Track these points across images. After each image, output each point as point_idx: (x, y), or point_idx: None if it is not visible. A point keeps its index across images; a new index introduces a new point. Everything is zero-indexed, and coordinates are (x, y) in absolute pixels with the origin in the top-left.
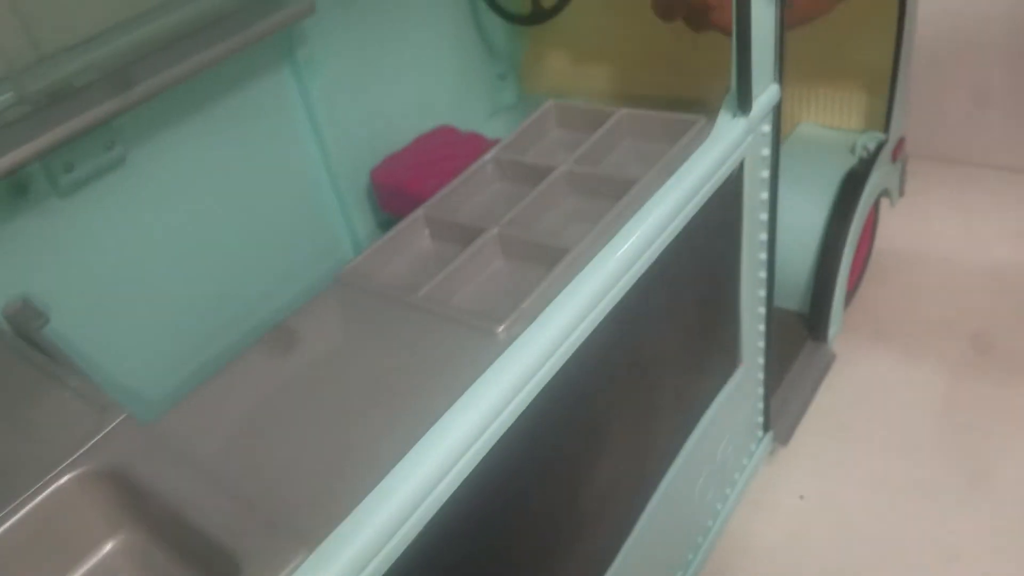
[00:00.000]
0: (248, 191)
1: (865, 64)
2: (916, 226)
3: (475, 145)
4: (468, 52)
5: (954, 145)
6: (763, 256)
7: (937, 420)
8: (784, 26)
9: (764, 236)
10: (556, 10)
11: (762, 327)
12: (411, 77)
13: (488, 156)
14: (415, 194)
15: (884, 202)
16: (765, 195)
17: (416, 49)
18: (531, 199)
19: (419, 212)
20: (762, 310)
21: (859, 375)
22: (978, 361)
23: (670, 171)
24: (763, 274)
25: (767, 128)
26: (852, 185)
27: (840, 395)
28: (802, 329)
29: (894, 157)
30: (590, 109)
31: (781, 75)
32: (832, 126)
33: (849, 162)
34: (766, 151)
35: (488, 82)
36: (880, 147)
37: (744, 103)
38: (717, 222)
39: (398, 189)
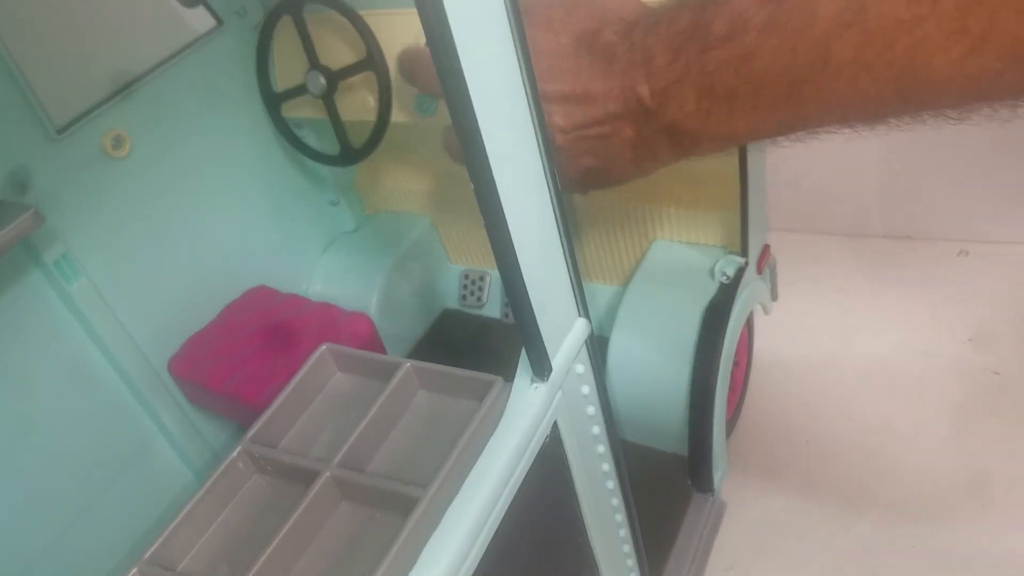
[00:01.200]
0: (19, 418)
1: (713, 175)
2: (792, 325)
3: (293, 308)
4: (290, 189)
5: (814, 215)
6: (611, 484)
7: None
8: (575, 256)
9: (607, 466)
10: (368, 150)
11: (631, 559)
12: (219, 234)
13: (237, 449)
14: (218, 391)
15: (758, 309)
16: (597, 429)
17: (223, 199)
18: (293, 522)
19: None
20: (625, 535)
21: (752, 521)
22: (875, 485)
23: (467, 465)
24: (616, 501)
25: (581, 368)
26: (714, 319)
27: (736, 552)
28: (684, 478)
29: (759, 270)
30: (373, 359)
31: (584, 306)
32: (689, 241)
33: (711, 287)
34: (587, 389)
35: (320, 212)
36: (741, 271)
37: (540, 369)
38: (541, 485)
39: (199, 384)
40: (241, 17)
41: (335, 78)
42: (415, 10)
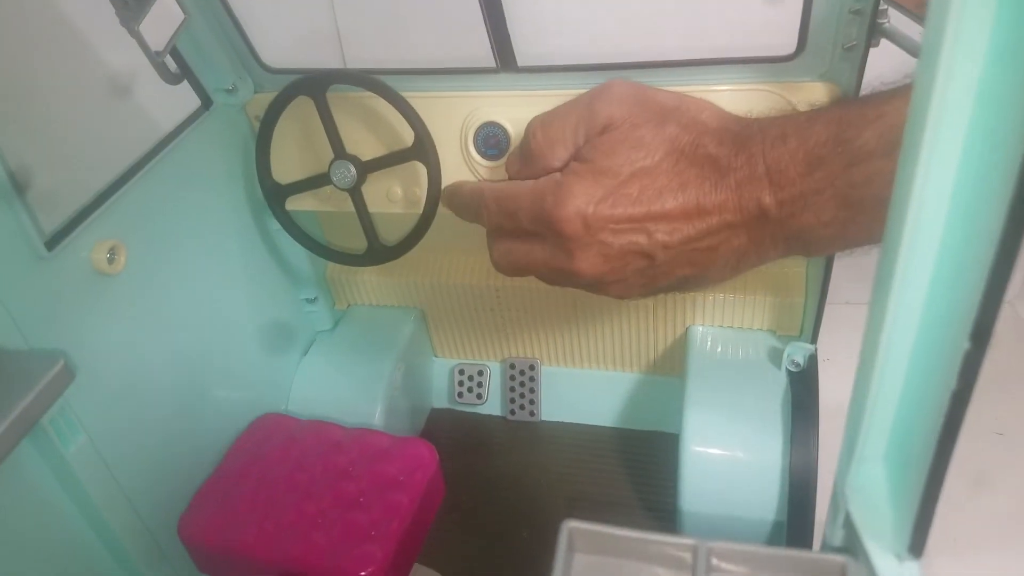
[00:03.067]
0: None
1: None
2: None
3: (326, 440)
4: (269, 290)
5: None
6: None
7: None
8: None
9: None
10: (405, 247)
11: None
12: (215, 353)
13: None
14: (244, 555)
15: None
16: None
17: (216, 311)
18: None
19: None
20: None
21: None
22: None
23: None
24: None
25: None
26: (804, 412)
27: None
28: None
29: None
30: (623, 537)
31: None
32: (727, 325)
33: (778, 377)
34: None
35: (297, 313)
36: (814, 358)
37: (917, 542)
38: None
39: (218, 551)
40: (231, 95)
41: (369, 168)
42: (458, 92)
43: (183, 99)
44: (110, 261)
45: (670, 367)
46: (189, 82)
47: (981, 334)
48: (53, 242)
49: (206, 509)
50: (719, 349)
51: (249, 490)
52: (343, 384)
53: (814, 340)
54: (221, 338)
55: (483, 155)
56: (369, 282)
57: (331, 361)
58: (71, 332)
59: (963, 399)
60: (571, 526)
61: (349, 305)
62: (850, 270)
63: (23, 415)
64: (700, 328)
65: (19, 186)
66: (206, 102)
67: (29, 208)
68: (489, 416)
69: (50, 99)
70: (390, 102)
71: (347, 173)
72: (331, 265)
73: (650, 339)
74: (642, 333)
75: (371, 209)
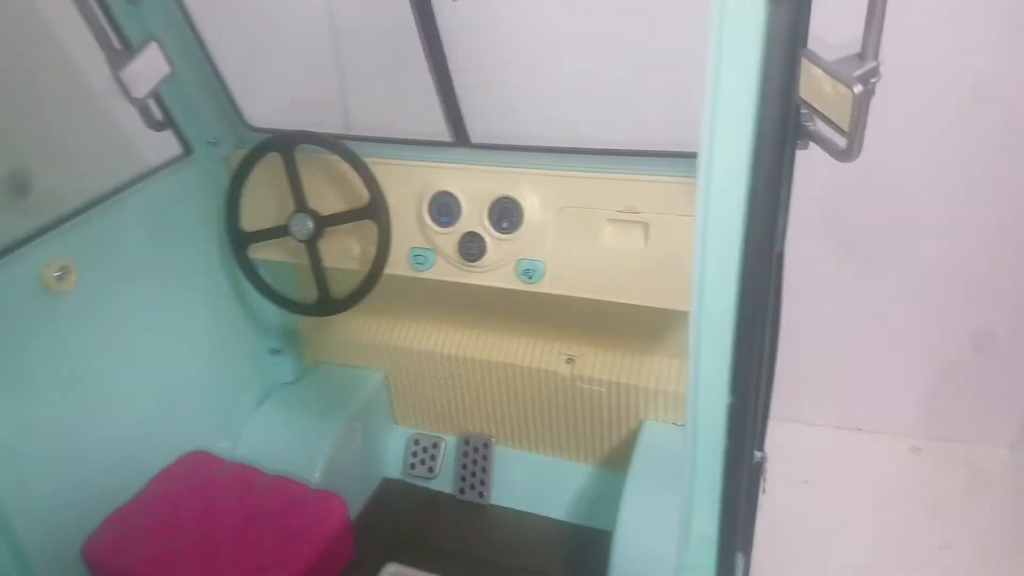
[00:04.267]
0: None
1: None
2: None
3: (243, 483)
4: (232, 334)
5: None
6: None
7: None
8: None
9: None
10: (353, 300)
11: None
12: (155, 383)
13: None
14: None
15: None
16: None
17: (164, 342)
18: None
19: None
20: None
21: None
22: None
23: None
24: None
25: None
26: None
27: None
28: None
29: None
30: None
31: None
32: (678, 423)
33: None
34: None
35: (258, 361)
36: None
37: None
38: None
39: (114, 575)
40: (212, 147)
41: (325, 223)
42: (416, 162)
43: (166, 143)
44: (60, 279)
45: (619, 461)
46: (173, 129)
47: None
48: (4, 252)
49: (112, 534)
50: (667, 447)
51: (159, 521)
52: (291, 437)
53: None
54: (169, 373)
55: (436, 221)
56: (337, 340)
57: (286, 413)
58: (11, 340)
59: (737, 456)
60: (391, 570)
61: (316, 361)
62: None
63: None
64: (654, 423)
65: None
66: (187, 149)
67: None
68: (439, 492)
69: (37, 117)
70: (350, 163)
71: (305, 226)
72: (302, 319)
73: (604, 429)
74: (596, 422)
75: (329, 264)
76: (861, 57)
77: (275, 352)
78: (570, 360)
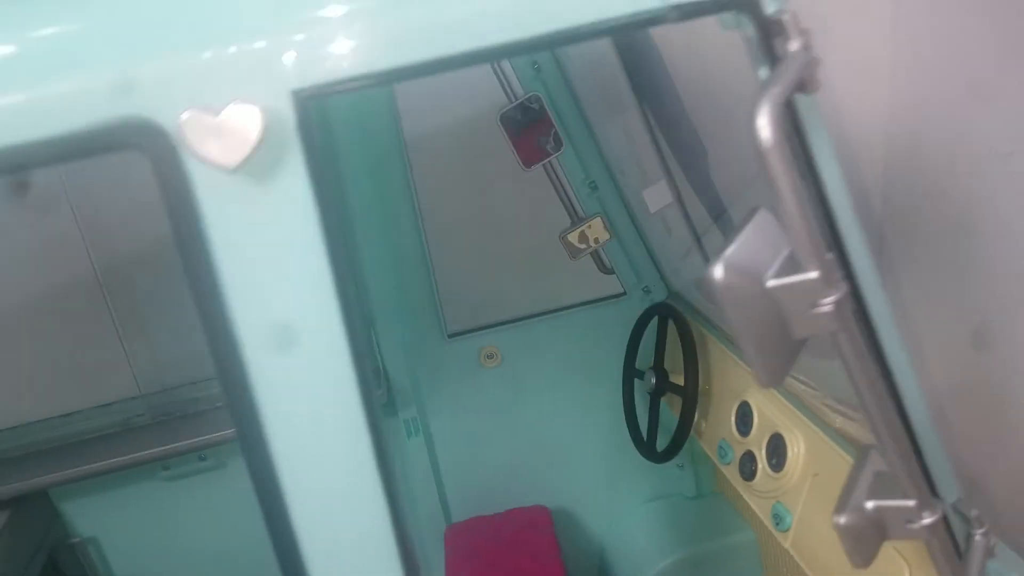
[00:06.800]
0: None
1: None
2: None
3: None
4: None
5: None
6: None
7: None
8: None
9: None
10: (666, 456)
11: None
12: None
13: None
14: None
15: None
16: None
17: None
18: None
19: None
20: None
21: None
22: None
23: None
24: None
25: None
26: None
27: None
28: None
29: None
30: None
31: None
32: None
33: None
34: None
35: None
36: None
37: None
38: None
39: None
40: (646, 293)
41: (667, 388)
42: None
43: (606, 282)
44: (489, 358)
45: None
46: (616, 275)
47: None
48: (456, 335)
49: (466, 533)
50: None
51: (492, 541)
52: None
53: None
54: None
55: (736, 428)
56: None
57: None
58: (457, 388)
59: None
60: None
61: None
62: None
63: None
64: None
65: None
66: (624, 292)
67: (441, 312)
68: None
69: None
70: (683, 350)
71: (650, 380)
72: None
73: None
74: None
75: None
76: None
77: (679, 467)
78: None
